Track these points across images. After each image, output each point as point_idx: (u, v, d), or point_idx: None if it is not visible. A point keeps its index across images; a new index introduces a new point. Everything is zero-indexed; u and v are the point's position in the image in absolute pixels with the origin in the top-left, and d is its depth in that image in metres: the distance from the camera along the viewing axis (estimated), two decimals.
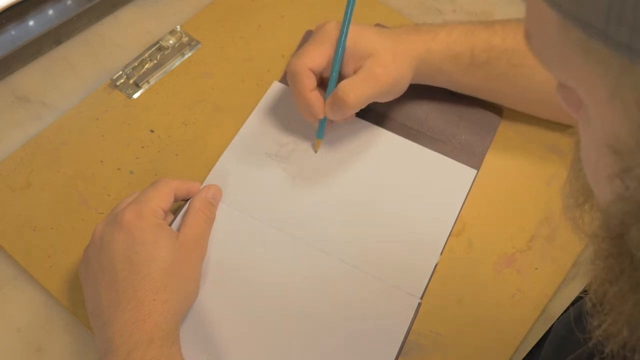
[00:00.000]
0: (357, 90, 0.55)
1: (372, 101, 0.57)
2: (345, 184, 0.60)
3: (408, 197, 0.60)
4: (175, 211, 0.56)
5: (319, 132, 0.60)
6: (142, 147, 0.62)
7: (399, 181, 0.60)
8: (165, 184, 0.53)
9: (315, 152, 0.61)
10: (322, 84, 0.59)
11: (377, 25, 0.68)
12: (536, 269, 0.57)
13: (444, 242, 0.57)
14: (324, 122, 0.59)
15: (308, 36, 0.68)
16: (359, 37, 0.57)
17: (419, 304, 0.54)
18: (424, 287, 0.55)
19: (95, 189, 0.59)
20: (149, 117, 0.64)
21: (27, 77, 0.66)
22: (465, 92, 0.63)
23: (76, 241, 0.56)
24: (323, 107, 0.57)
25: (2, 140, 0.62)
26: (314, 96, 0.57)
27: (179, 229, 0.52)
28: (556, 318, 0.56)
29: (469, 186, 0.60)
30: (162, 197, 0.52)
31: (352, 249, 0.56)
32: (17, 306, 0.54)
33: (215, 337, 0.51)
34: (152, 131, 0.63)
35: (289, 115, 0.63)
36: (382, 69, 0.56)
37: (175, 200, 0.54)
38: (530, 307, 0.55)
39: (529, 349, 0.54)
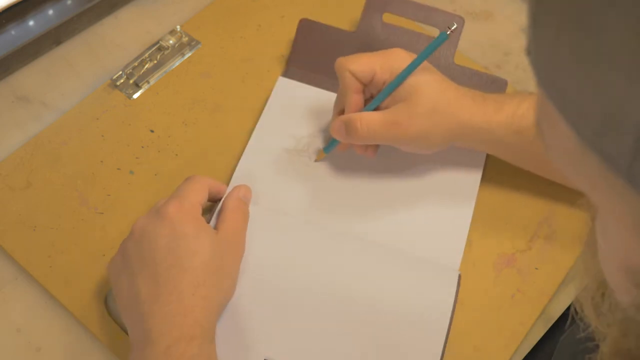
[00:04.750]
0: (372, 127, 0.53)
1: (387, 144, 0.56)
2: (369, 167, 0.60)
3: (431, 175, 0.60)
4: (204, 212, 0.55)
5: (328, 146, 0.59)
6: (142, 147, 0.62)
7: (422, 163, 0.61)
8: (200, 180, 0.53)
9: (315, 161, 0.61)
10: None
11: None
12: (536, 269, 0.57)
13: (472, 211, 0.59)
14: (335, 141, 0.58)
15: (303, 25, 0.67)
16: (414, 76, 0.53)
17: (459, 276, 0.54)
18: (460, 259, 0.56)
19: (95, 189, 0.59)
20: (149, 117, 0.64)
21: (27, 77, 0.66)
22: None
23: (76, 241, 0.56)
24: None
25: (2, 140, 0.62)
26: (354, 100, 0.55)
27: (215, 227, 0.52)
28: (556, 318, 0.56)
29: (482, 168, 0.61)
30: (199, 192, 0.52)
31: (385, 229, 0.57)
32: (17, 306, 0.54)
33: (249, 336, 0.51)
34: (152, 131, 0.63)
35: (299, 109, 0.63)
36: (408, 119, 0.53)
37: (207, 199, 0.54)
38: (530, 307, 0.55)
39: (529, 349, 0.54)
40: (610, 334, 0.29)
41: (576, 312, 0.33)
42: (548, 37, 0.22)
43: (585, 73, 0.20)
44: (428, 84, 0.54)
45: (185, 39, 0.68)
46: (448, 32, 0.53)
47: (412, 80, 0.53)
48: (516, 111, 0.54)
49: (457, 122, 0.54)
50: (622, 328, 0.28)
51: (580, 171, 0.24)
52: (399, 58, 0.54)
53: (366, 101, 0.57)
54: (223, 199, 0.55)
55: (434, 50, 0.54)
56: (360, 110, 0.56)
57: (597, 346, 0.31)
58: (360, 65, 0.55)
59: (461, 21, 0.65)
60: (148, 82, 0.65)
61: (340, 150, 0.59)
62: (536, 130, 0.26)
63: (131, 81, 0.65)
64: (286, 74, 0.66)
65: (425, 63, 0.54)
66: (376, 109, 0.55)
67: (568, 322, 0.37)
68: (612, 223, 0.25)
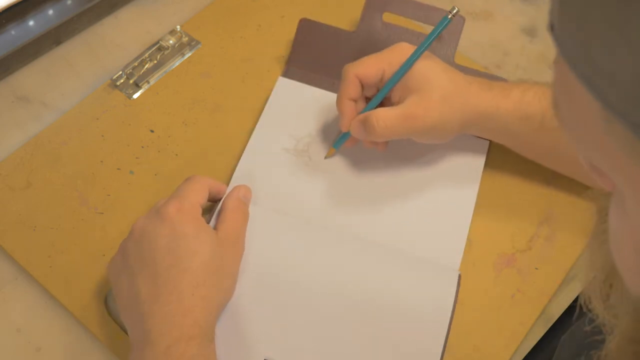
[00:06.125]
0: (389, 123, 0.54)
1: (404, 137, 0.56)
2: (369, 167, 0.60)
3: (430, 173, 0.60)
4: (204, 212, 0.55)
5: (337, 142, 0.60)
6: (142, 147, 0.62)
7: (421, 159, 0.61)
8: (200, 180, 0.54)
9: (325, 157, 0.61)
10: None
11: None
12: (536, 269, 0.57)
13: (472, 210, 0.58)
14: (345, 136, 0.58)
15: (303, 25, 0.67)
16: (421, 66, 0.54)
17: (459, 276, 0.54)
18: (460, 259, 0.56)
19: (95, 189, 0.59)
20: (149, 117, 0.64)
21: (27, 77, 0.66)
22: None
23: (76, 241, 0.56)
24: (350, 121, 0.56)
25: (2, 140, 0.62)
26: (348, 105, 0.56)
27: (215, 227, 0.52)
28: (556, 318, 0.56)
29: (484, 159, 0.61)
30: (199, 193, 0.52)
31: (385, 229, 0.57)
32: (17, 306, 0.54)
33: (249, 336, 0.51)
34: (152, 131, 0.63)
35: (299, 109, 0.63)
36: (423, 110, 0.53)
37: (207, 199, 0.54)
38: (530, 307, 0.55)
39: (529, 349, 0.54)
40: (619, 325, 0.29)
41: (581, 309, 0.33)
42: (577, 5, 0.21)
43: (619, 38, 0.20)
44: (436, 73, 0.54)
45: (185, 39, 0.68)
46: (449, 16, 0.55)
47: (420, 70, 0.54)
48: (522, 98, 0.55)
49: (468, 107, 0.55)
50: (635, 317, 0.27)
51: (600, 142, 0.23)
52: (405, 51, 0.55)
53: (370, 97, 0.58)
54: (223, 199, 0.55)
55: (437, 37, 0.54)
56: (367, 105, 0.57)
57: (602, 341, 0.31)
58: (367, 67, 0.55)
59: (461, 20, 0.65)
60: (148, 82, 0.65)
61: (348, 145, 0.59)
62: (552, 107, 0.26)
63: (131, 81, 0.65)
64: (286, 74, 0.66)
65: (429, 54, 0.55)
66: (390, 103, 0.56)
67: (576, 314, 0.37)
68: (632, 199, 0.25)
